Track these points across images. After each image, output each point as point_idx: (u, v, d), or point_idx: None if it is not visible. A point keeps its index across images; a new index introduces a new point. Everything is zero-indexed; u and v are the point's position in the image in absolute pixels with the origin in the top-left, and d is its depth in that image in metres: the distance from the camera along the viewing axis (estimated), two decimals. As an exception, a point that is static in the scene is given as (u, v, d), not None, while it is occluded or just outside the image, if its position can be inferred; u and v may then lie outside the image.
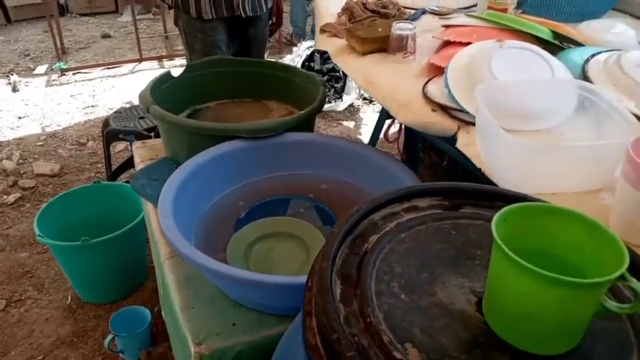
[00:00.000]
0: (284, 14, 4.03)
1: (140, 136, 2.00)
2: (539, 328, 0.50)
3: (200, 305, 0.98)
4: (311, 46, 3.30)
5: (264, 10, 1.86)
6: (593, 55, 1.07)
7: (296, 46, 3.58)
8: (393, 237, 0.63)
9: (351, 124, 3.14)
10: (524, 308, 0.49)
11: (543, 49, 1.08)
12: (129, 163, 2.30)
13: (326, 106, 3.13)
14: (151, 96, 1.33)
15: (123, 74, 3.68)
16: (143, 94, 1.34)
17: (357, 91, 3.26)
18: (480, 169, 0.85)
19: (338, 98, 3.20)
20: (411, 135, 1.82)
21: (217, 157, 1.16)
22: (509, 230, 0.53)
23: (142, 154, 1.47)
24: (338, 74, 3.21)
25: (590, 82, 1.00)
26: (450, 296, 0.57)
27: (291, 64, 3.32)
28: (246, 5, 1.79)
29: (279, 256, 1.08)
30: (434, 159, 2.13)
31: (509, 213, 0.53)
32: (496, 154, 0.79)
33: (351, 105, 3.26)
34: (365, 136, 2.93)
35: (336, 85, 3.22)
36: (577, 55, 1.09)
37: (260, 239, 1.11)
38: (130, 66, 3.78)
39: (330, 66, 3.18)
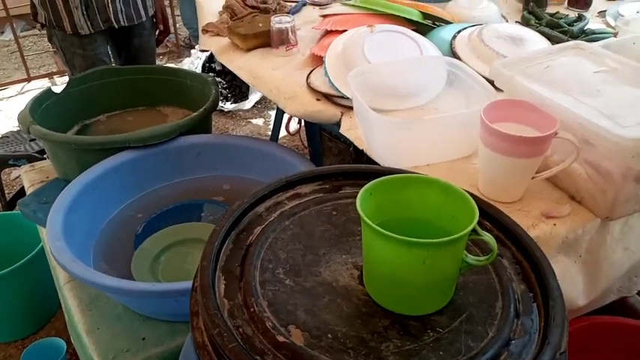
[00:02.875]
0: (177, 17, 3.95)
1: (32, 159, 1.88)
2: (410, 290, 0.53)
3: (106, 325, 0.94)
4: (209, 48, 3.24)
5: (144, 19, 1.76)
6: (459, 32, 1.14)
7: (194, 48, 3.51)
8: (277, 226, 0.65)
9: (259, 121, 3.13)
10: (393, 273, 0.52)
11: (416, 30, 1.14)
12: (23, 191, 2.16)
13: (233, 106, 3.10)
14: (31, 116, 1.26)
15: (10, 96, 3.43)
16: (22, 115, 1.27)
17: (262, 87, 3.26)
18: (362, 150, 0.88)
19: (244, 97, 3.18)
20: (311, 126, 1.85)
21: (108, 171, 1.12)
22: (377, 203, 0.56)
23: (32, 177, 1.39)
24: (241, 73, 3.18)
25: (458, 57, 1.06)
26: (334, 274, 0.59)
27: (191, 66, 3.26)
28: (119, 15, 1.68)
29: (189, 263, 1.07)
30: (341, 146, 2.18)
31: (373, 187, 0.56)
32: (372, 134, 0.82)
33: (259, 102, 3.25)
34: (275, 131, 2.93)
35: (241, 85, 3.19)
36: (446, 33, 1.16)
37: (166, 249, 1.09)
38: (18, 87, 3.53)
39: (232, 65, 3.15)
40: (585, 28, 1.19)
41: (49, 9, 1.63)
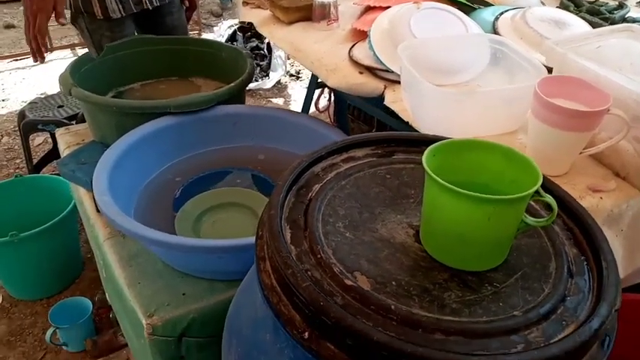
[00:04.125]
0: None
1: (61, 124, 1.92)
2: (471, 247, 0.56)
3: (147, 281, 0.97)
4: (232, 25, 3.25)
5: None
6: (501, 13, 1.15)
7: (217, 26, 3.51)
8: (335, 185, 0.67)
9: (280, 100, 3.16)
10: (456, 229, 0.55)
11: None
12: (50, 155, 2.20)
13: (253, 85, 3.12)
14: (71, 78, 1.28)
15: (33, 65, 3.45)
16: (63, 77, 1.29)
17: (284, 67, 3.27)
18: (408, 122, 0.90)
19: (265, 76, 3.20)
20: (341, 105, 1.87)
21: (150, 135, 1.15)
22: (438, 165, 0.58)
23: (68, 140, 1.41)
24: (263, 52, 3.19)
25: (501, 37, 1.08)
26: (390, 231, 0.62)
27: (214, 44, 3.27)
28: None
29: (229, 226, 1.09)
30: (363, 128, 2.20)
31: (437, 149, 0.58)
32: (421, 106, 0.84)
33: (279, 82, 3.27)
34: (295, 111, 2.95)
35: (261, 63, 3.21)
36: (488, 14, 1.17)
37: (206, 212, 1.11)
38: (40, 56, 3.56)
39: (254, 44, 3.16)
40: (627, 16, 1.20)
41: None
